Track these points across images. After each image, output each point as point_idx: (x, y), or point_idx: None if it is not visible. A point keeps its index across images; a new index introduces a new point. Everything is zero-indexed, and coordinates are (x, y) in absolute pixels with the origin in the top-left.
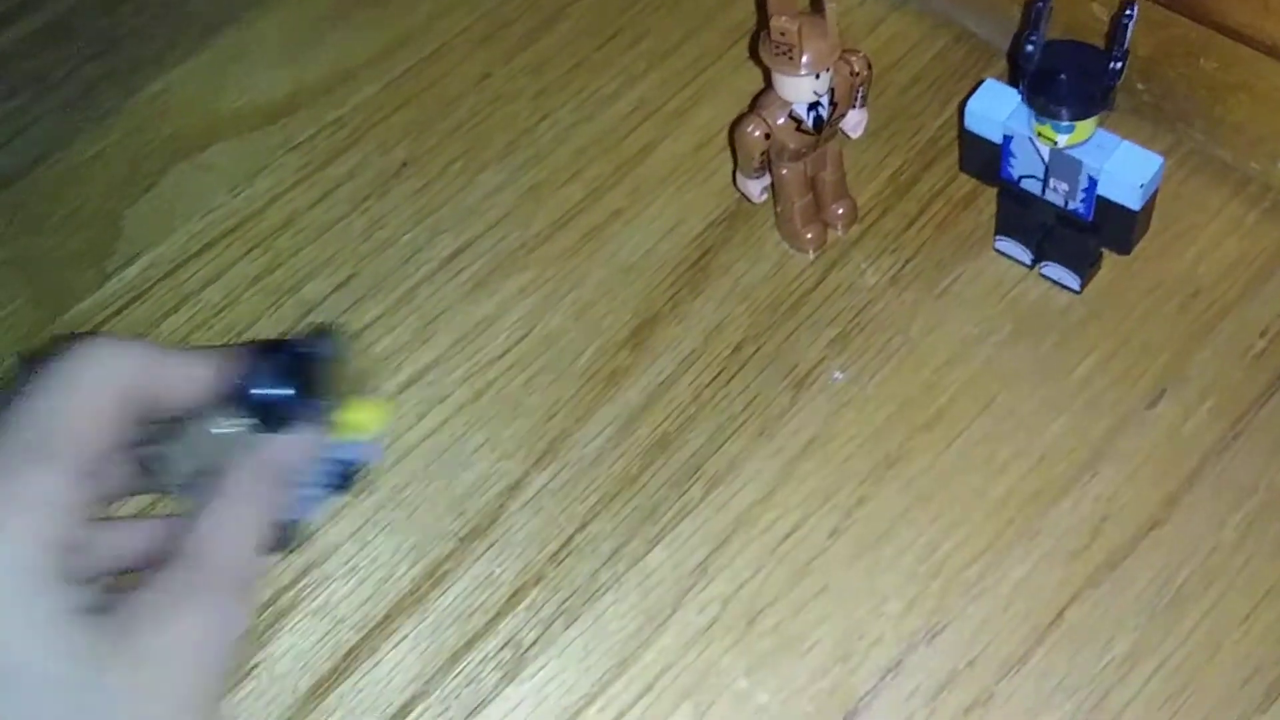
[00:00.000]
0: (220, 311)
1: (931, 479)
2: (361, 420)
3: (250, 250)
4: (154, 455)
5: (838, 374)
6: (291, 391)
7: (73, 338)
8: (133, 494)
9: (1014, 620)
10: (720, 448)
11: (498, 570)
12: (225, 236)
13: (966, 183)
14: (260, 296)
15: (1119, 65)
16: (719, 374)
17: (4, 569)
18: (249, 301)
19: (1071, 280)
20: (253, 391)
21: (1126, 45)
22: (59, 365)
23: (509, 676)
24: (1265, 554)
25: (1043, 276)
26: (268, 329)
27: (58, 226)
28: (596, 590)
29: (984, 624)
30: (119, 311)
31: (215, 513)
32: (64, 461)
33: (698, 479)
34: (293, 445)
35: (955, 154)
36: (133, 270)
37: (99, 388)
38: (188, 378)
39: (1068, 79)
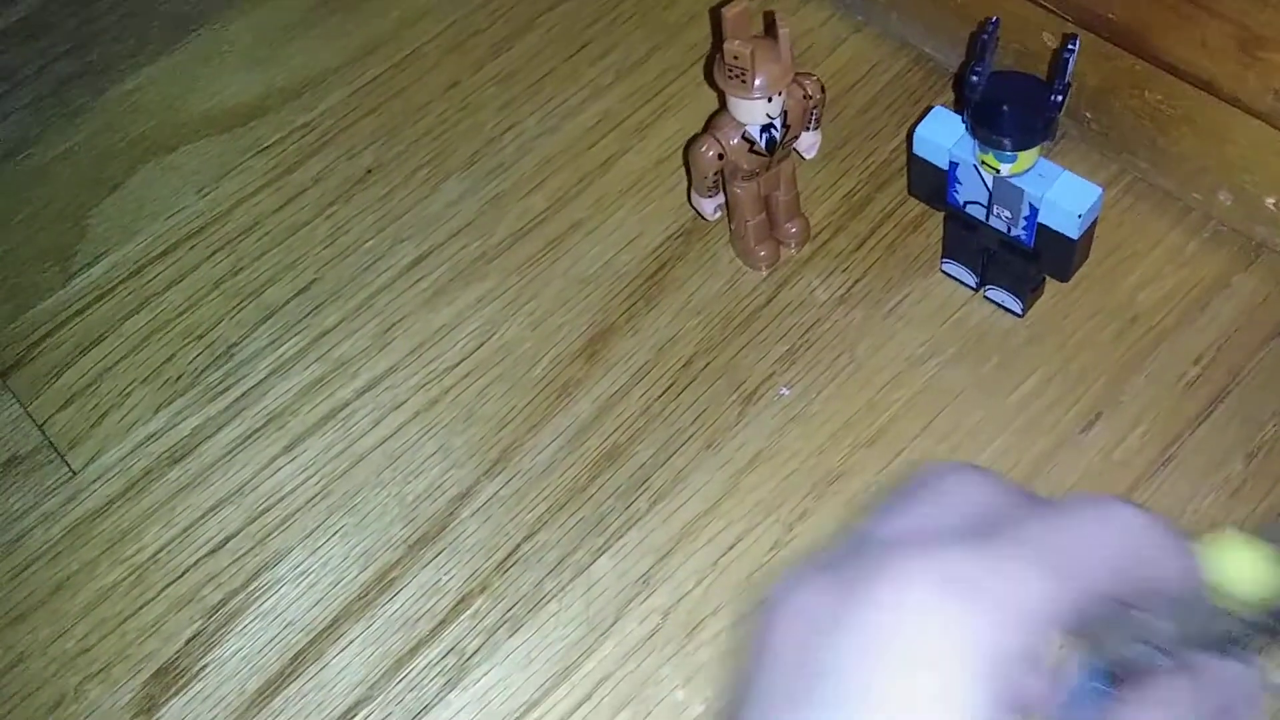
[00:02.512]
0: (182, 314)
1: (872, 495)
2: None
3: (214, 253)
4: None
5: (785, 390)
6: None
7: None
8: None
9: None
10: (668, 460)
11: (445, 577)
12: (190, 238)
13: (917, 205)
14: (222, 299)
15: (1060, 98)
16: (669, 387)
17: (959, 646)
18: (211, 304)
19: (1014, 304)
20: None
21: (1068, 79)
22: (1078, 504)
23: (452, 683)
24: None
25: (987, 299)
26: (228, 332)
27: (23, 224)
28: (541, 599)
29: None
30: (81, 311)
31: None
32: (1059, 584)
33: (645, 490)
34: (1241, 687)
35: (906, 177)
36: (97, 270)
37: (1111, 539)
38: (1187, 568)
39: (1010, 110)
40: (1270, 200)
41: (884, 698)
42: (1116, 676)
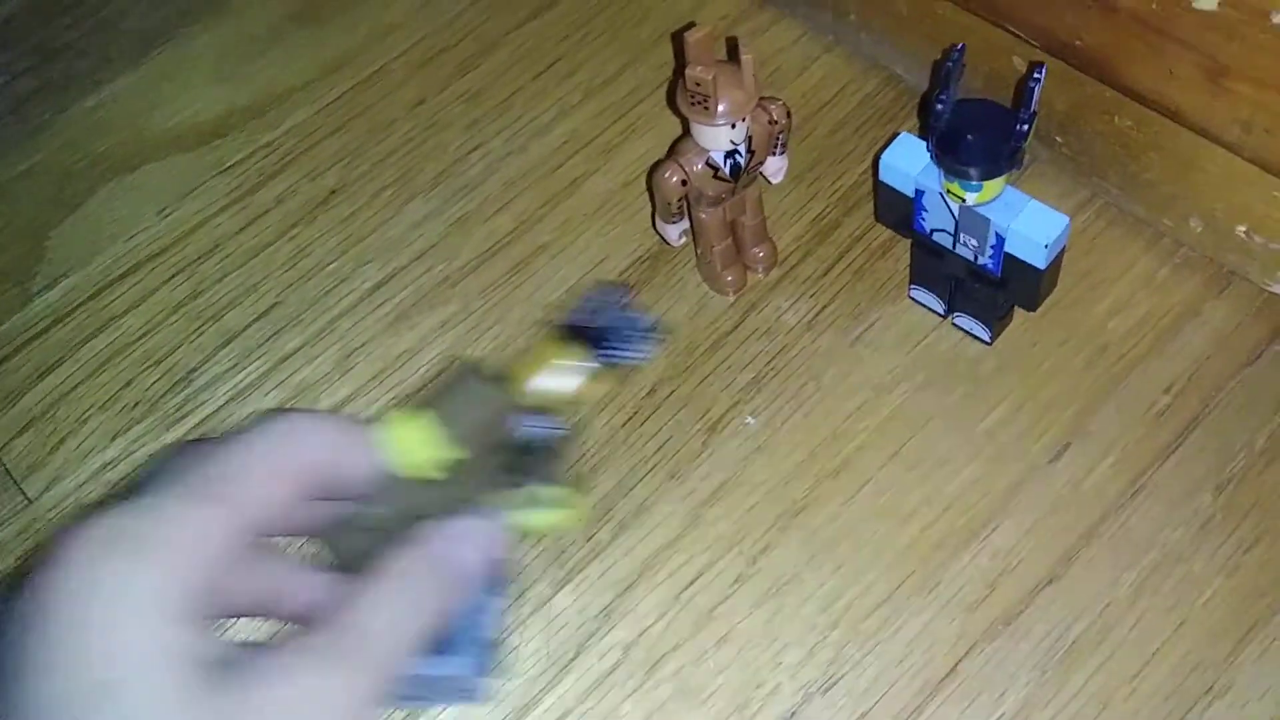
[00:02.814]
0: (141, 338)
1: (836, 527)
2: (555, 522)
3: (174, 275)
4: (329, 531)
5: (750, 419)
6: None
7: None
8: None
9: (909, 673)
10: (631, 490)
11: None
12: (150, 260)
13: (885, 230)
14: (182, 323)
15: (1025, 127)
16: (633, 415)
17: (136, 600)
18: (170, 328)
19: (982, 332)
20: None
21: (1034, 107)
22: (250, 430)
23: (412, 717)
24: (1157, 612)
25: (955, 326)
26: (187, 357)
27: None
28: (501, 633)
29: (879, 676)
30: (40, 334)
31: (376, 589)
32: (228, 510)
33: (607, 521)
34: (471, 538)
35: (874, 203)
36: (56, 292)
37: (283, 455)
38: (372, 458)
39: (976, 139)
40: (1241, 228)
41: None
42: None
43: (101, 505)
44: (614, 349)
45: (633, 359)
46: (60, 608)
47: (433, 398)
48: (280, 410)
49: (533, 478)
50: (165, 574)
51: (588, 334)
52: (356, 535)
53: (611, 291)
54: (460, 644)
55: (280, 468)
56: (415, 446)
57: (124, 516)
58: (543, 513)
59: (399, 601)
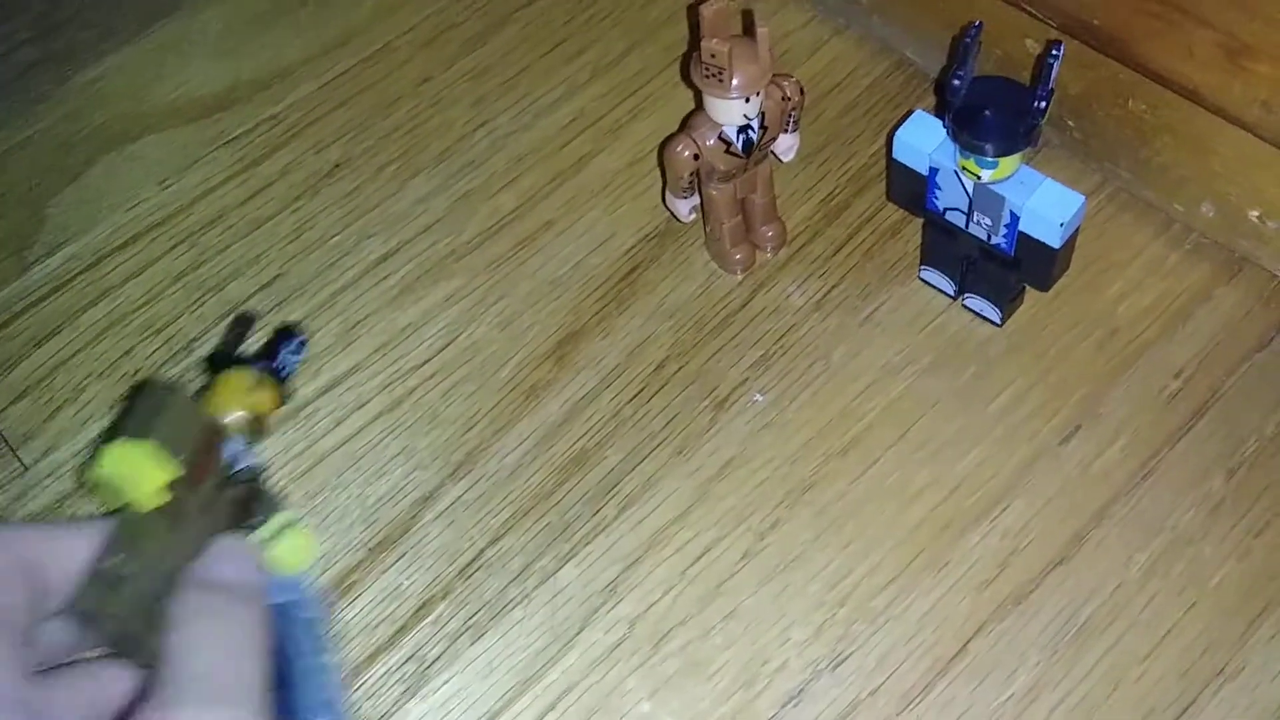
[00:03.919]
0: (140, 307)
1: (845, 505)
2: (291, 553)
3: (175, 245)
4: (84, 602)
5: (758, 396)
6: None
7: None
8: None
9: (918, 651)
10: (637, 466)
11: (406, 583)
12: (151, 230)
13: (895, 211)
14: (183, 293)
15: (1043, 104)
16: (640, 391)
17: None
18: (171, 298)
19: (992, 313)
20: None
21: (1051, 85)
22: None
23: (411, 692)
24: (1168, 594)
25: (965, 308)
26: (188, 327)
27: None
28: (505, 606)
29: (888, 654)
30: (38, 302)
31: (180, 636)
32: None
33: (613, 496)
34: (231, 557)
35: (885, 182)
36: (55, 260)
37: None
38: (71, 554)
39: (992, 115)
40: (1254, 213)
41: None
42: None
43: None
44: (277, 365)
45: (294, 366)
46: None
47: (140, 419)
48: None
49: (256, 507)
50: None
51: (250, 360)
52: (113, 600)
53: (241, 322)
54: (309, 710)
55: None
56: (141, 471)
57: None
58: (279, 544)
59: (208, 638)
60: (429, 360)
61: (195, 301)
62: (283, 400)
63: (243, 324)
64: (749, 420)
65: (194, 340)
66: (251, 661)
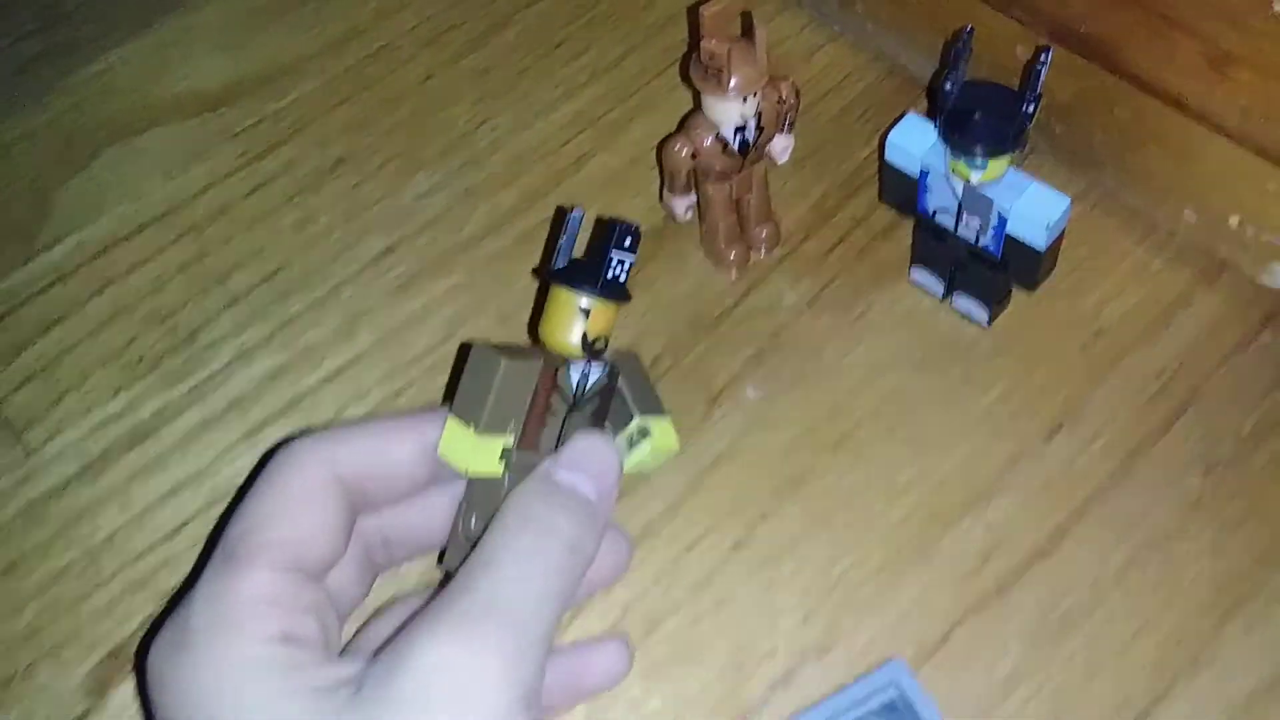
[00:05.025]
0: (145, 297)
1: (834, 499)
2: (652, 456)
3: (180, 237)
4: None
5: (750, 391)
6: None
7: (278, 445)
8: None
9: (901, 640)
10: None
11: (399, 572)
12: (155, 221)
13: (887, 213)
14: (186, 283)
15: (1031, 108)
16: None
17: (236, 673)
18: (174, 288)
19: (980, 314)
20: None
21: (1039, 89)
22: (265, 474)
23: None
24: (1144, 589)
25: (953, 309)
26: (191, 317)
27: None
28: None
29: (872, 642)
30: (43, 291)
31: (495, 542)
32: (270, 561)
33: None
34: (588, 461)
35: (877, 184)
36: (59, 250)
37: (304, 484)
38: (400, 460)
39: (982, 118)
40: (1234, 219)
41: None
42: None
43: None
44: (609, 271)
45: (627, 266)
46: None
47: (468, 397)
48: (298, 435)
49: (620, 415)
50: (246, 642)
51: (583, 268)
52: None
53: (570, 222)
54: None
55: (305, 498)
56: (470, 456)
57: (179, 622)
58: (643, 446)
59: (527, 551)
60: (428, 353)
61: (199, 292)
62: (619, 305)
63: (572, 223)
64: (741, 415)
65: (197, 330)
66: (556, 599)
